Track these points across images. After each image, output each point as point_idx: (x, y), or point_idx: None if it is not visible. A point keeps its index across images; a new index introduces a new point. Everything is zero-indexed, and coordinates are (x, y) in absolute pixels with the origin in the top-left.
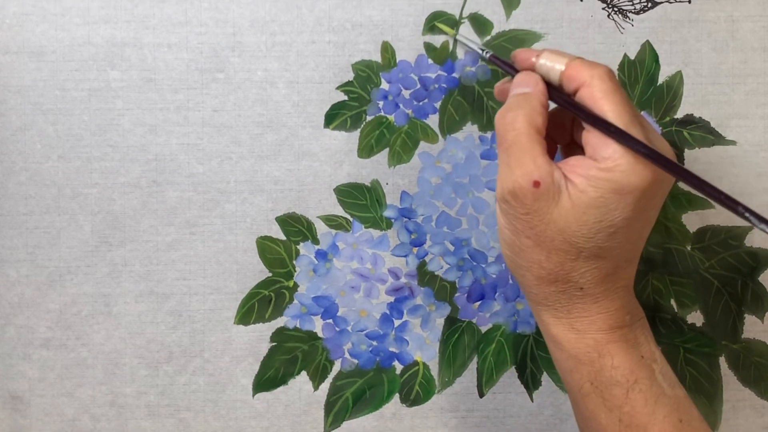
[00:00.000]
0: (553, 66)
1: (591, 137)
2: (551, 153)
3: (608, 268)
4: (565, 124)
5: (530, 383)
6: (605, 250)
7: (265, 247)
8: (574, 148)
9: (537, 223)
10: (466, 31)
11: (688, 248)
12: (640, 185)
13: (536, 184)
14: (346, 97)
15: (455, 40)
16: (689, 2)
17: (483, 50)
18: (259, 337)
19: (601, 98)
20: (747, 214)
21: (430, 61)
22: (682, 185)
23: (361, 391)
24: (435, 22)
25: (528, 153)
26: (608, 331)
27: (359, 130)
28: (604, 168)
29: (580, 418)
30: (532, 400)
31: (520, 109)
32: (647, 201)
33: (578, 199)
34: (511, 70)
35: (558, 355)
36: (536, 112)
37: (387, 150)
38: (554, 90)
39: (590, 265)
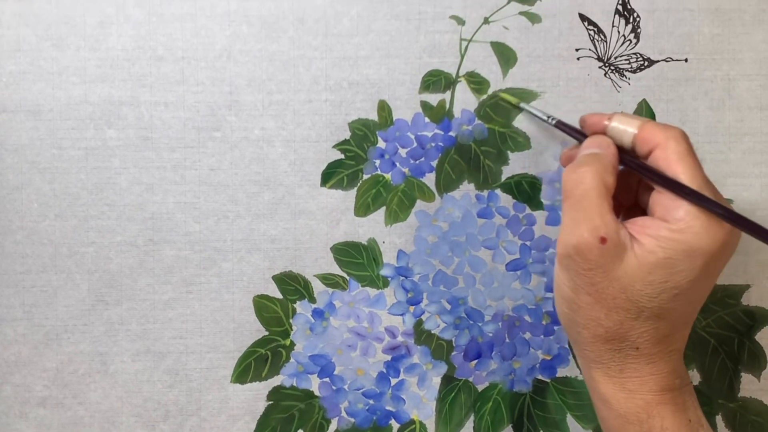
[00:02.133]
0: (626, 129)
1: (663, 198)
2: (617, 215)
3: (666, 329)
4: (631, 187)
5: None
6: (666, 311)
7: (262, 305)
8: (636, 211)
9: (600, 279)
10: (462, 89)
11: None
12: (711, 248)
13: (603, 240)
14: (342, 156)
15: (519, 109)
16: (686, 61)
17: (549, 117)
18: (255, 395)
19: (676, 160)
20: None
21: (427, 119)
22: None
23: None
24: (499, 93)
25: (596, 209)
26: (659, 392)
27: (356, 188)
28: (675, 229)
29: None
30: None
31: (591, 166)
32: (714, 263)
33: (645, 259)
34: (580, 135)
35: (605, 413)
36: (607, 170)
37: (384, 208)
38: (625, 153)
39: (649, 326)
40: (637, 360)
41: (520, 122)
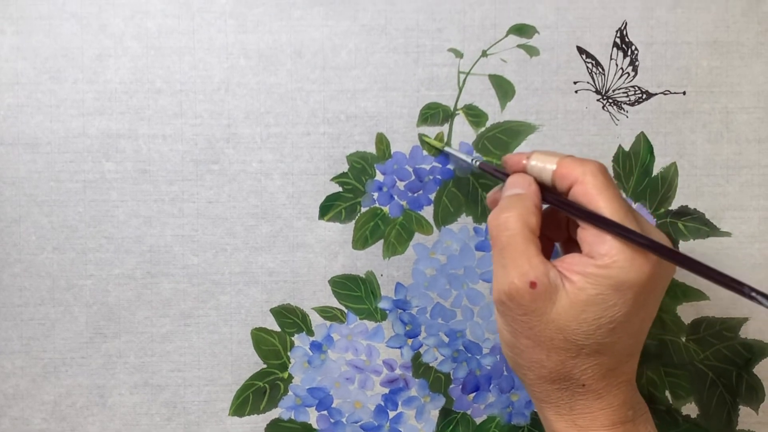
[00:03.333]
0: (545, 166)
1: (587, 235)
2: (548, 251)
3: (610, 363)
4: (560, 222)
5: None
6: (606, 346)
7: (260, 338)
8: (572, 245)
9: (536, 323)
10: (460, 121)
11: (683, 340)
12: (639, 280)
13: (533, 285)
14: (340, 189)
15: (443, 150)
16: (684, 94)
17: (472, 159)
18: (253, 428)
19: (595, 194)
20: (754, 294)
21: (425, 152)
22: (678, 275)
23: None
24: (422, 137)
25: (523, 254)
26: (611, 426)
27: (354, 221)
28: (601, 265)
29: None
30: None
31: (514, 210)
32: (647, 295)
33: (576, 297)
34: (503, 176)
35: None
36: (530, 212)
37: (382, 241)
38: (547, 190)
39: (591, 362)
40: (585, 396)
41: None
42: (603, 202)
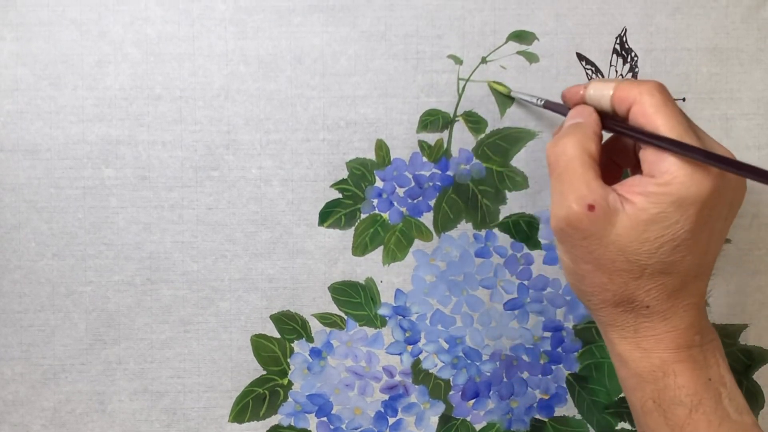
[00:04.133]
0: (603, 93)
1: (647, 154)
2: (617, 178)
3: (675, 284)
4: (627, 148)
5: None
6: (670, 265)
7: (260, 345)
8: (640, 170)
9: (596, 247)
10: (460, 128)
11: None
12: (701, 195)
13: (591, 207)
14: (340, 195)
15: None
16: (683, 100)
17: (537, 99)
18: None
19: (652, 113)
20: None
21: (425, 158)
22: None
23: None
24: (491, 84)
25: (581, 178)
26: (675, 350)
27: (354, 228)
28: (662, 182)
29: None
30: None
31: (572, 136)
32: (709, 211)
33: (638, 217)
34: (566, 110)
35: (623, 372)
36: (588, 138)
37: (381, 248)
38: (608, 118)
39: (655, 282)
40: (650, 318)
41: (518, 161)
42: (660, 120)
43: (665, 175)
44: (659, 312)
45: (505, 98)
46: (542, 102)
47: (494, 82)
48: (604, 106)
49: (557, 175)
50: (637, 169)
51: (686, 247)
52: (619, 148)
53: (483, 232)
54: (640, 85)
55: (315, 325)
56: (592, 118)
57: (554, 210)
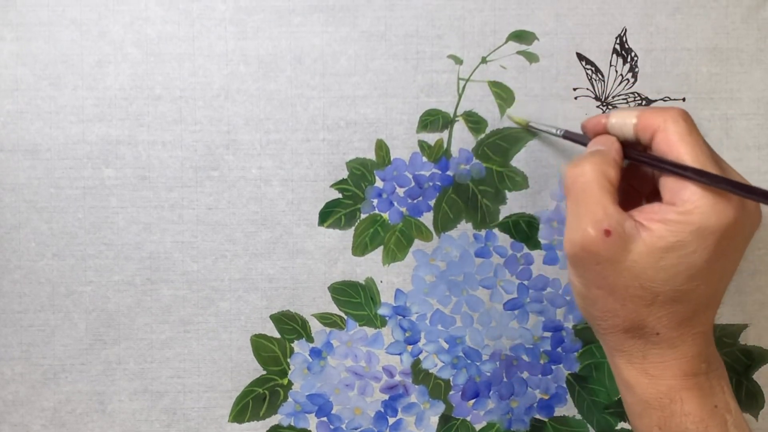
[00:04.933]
0: (625, 121)
1: (668, 182)
2: (635, 204)
3: (686, 312)
4: (646, 174)
5: None
6: (683, 294)
7: (260, 345)
8: (658, 197)
9: (609, 272)
10: (460, 128)
11: None
12: (721, 225)
13: (607, 233)
14: (340, 195)
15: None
16: (683, 100)
17: (556, 130)
18: None
19: (676, 141)
20: None
21: (425, 158)
22: None
23: None
24: (508, 113)
25: (598, 202)
26: (683, 377)
27: (353, 228)
28: (683, 211)
29: None
30: None
31: (591, 160)
32: (728, 242)
33: (655, 245)
34: (587, 141)
35: (629, 398)
36: (608, 164)
37: (381, 248)
38: (629, 147)
39: (667, 310)
40: (659, 345)
41: (518, 161)
42: (684, 149)
43: (686, 204)
44: (669, 339)
45: (505, 98)
46: (562, 132)
47: (513, 115)
48: (626, 134)
49: (574, 197)
50: (653, 196)
51: (701, 276)
52: (639, 175)
53: (483, 232)
54: (665, 112)
55: (315, 325)
56: (615, 146)
57: (569, 234)
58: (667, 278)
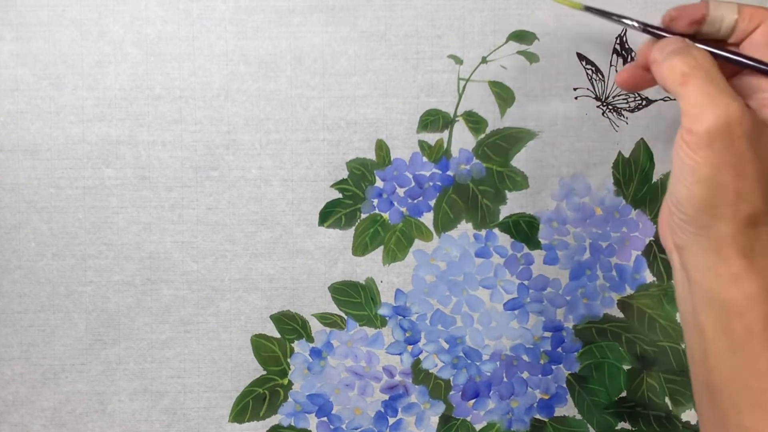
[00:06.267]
0: (725, 15)
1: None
2: None
3: None
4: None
5: None
6: None
7: (260, 345)
8: None
9: (746, 150)
10: (460, 128)
11: (683, 346)
12: None
13: (748, 104)
14: (340, 195)
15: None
16: None
17: (632, 21)
18: None
19: None
20: None
21: (425, 158)
22: None
23: None
24: None
25: (722, 82)
26: None
27: (354, 228)
28: None
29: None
30: None
31: (696, 49)
32: None
33: None
34: (668, 33)
35: (735, 293)
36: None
37: (381, 248)
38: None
39: None
40: None
41: (518, 161)
42: None
43: None
44: None
45: (505, 97)
46: (636, 24)
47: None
48: (725, 27)
49: (702, 77)
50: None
51: None
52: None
53: (483, 232)
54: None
55: (315, 325)
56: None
57: (702, 116)
58: None
